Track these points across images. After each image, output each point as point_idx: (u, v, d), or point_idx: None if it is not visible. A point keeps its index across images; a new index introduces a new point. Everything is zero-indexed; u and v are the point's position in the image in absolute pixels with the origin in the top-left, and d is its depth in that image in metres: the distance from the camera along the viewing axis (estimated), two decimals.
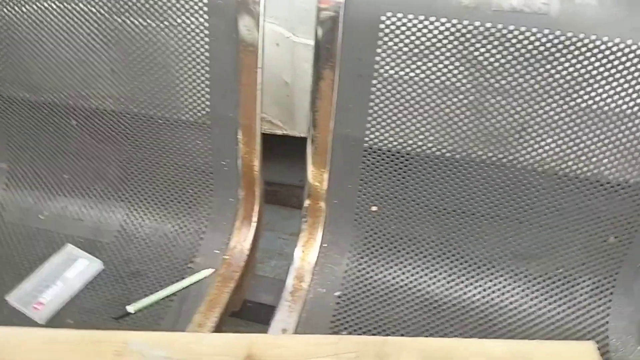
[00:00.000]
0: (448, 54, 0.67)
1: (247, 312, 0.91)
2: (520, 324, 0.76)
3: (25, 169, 0.92)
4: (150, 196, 0.87)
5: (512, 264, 0.78)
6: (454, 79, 0.69)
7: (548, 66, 0.66)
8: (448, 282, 0.79)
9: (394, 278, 0.79)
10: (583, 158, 0.70)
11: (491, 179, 0.74)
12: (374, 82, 0.69)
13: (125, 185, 0.88)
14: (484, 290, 0.78)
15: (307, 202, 0.80)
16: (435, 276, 0.79)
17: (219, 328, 0.75)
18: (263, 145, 0.79)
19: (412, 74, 0.69)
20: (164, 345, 0.69)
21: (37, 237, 0.87)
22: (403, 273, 0.80)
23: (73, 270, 0.80)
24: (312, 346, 0.69)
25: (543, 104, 0.68)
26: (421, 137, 0.72)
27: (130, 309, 0.76)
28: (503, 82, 0.67)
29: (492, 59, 0.66)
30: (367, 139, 0.73)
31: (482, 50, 0.66)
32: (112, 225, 0.88)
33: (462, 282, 0.79)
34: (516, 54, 0.66)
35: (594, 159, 0.70)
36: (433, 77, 0.68)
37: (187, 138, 0.82)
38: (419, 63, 0.68)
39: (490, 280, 0.79)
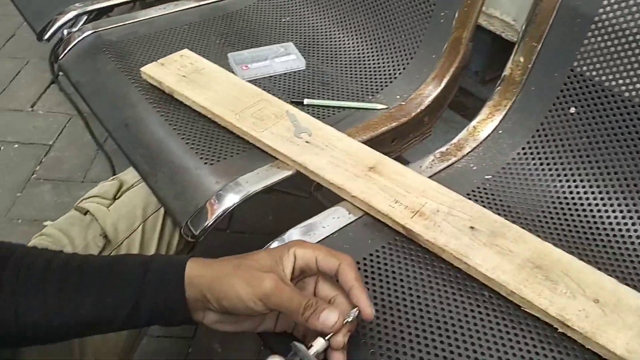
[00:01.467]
0: None
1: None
2: None
3: None
4: (373, 27, 0.92)
5: None
6: None
7: None
8: (614, 214, 0.65)
9: (555, 186, 0.69)
10: None
11: None
12: None
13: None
14: None
15: (506, 72, 0.74)
16: (602, 202, 0.66)
17: None
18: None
19: None
20: (307, 122, 0.75)
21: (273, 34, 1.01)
22: (569, 185, 0.68)
23: (283, 58, 0.92)
24: (429, 189, 0.66)
25: None
26: None
27: (306, 101, 0.83)
28: None
29: None
30: (597, 19, 0.63)
31: None
32: (326, 41, 0.97)
33: (631, 222, 0.65)
34: None
35: None
36: None
37: None
38: None
39: None
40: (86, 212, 0.71)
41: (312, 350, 0.45)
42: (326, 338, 0.45)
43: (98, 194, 0.74)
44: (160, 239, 0.73)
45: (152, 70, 0.84)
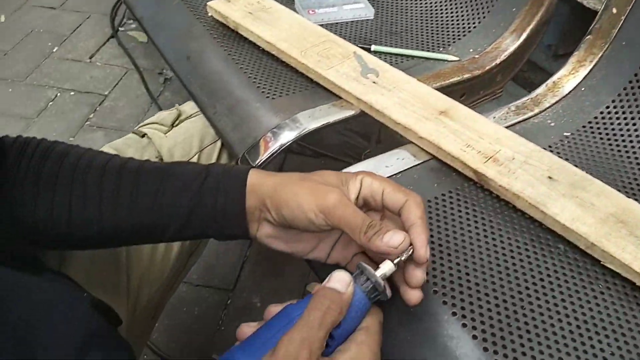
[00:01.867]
0: None
1: None
2: None
3: None
4: None
5: None
6: None
7: None
8: None
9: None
10: None
11: None
12: None
13: None
14: None
15: (595, 25, 0.68)
16: None
17: None
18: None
19: None
20: (374, 64, 0.71)
21: None
22: None
23: (351, 5, 0.88)
24: (504, 137, 0.61)
25: None
26: None
27: (373, 47, 0.80)
28: None
29: None
30: None
31: None
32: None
33: None
34: None
35: None
36: None
37: None
38: None
39: None
40: (143, 135, 0.70)
41: (379, 272, 0.41)
42: (394, 262, 0.42)
43: (156, 120, 0.73)
44: None
45: (218, 5, 0.83)
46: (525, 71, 1.25)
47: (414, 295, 0.42)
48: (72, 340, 0.42)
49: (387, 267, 0.41)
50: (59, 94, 1.61)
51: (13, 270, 0.43)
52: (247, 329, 0.42)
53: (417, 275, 0.41)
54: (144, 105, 1.57)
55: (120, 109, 1.56)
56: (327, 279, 0.40)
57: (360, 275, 0.41)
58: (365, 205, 0.46)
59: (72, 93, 1.62)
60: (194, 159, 0.70)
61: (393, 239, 0.40)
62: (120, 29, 1.87)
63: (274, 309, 0.42)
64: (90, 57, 1.76)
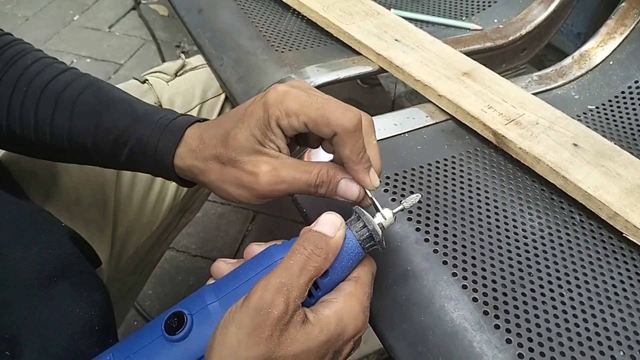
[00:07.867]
0: None
1: None
2: None
3: None
4: None
5: None
6: None
7: None
8: None
9: None
10: None
11: None
12: None
13: None
14: None
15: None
16: None
17: None
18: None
19: None
20: (401, 25, 0.68)
21: None
22: None
23: None
24: (529, 102, 0.57)
25: None
26: None
27: (393, 11, 0.76)
28: None
29: None
30: None
31: None
32: None
33: None
34: None
35: None
36: None
37: None
38: None
39: None
40: (144, 82, 0.67)
41: (378, 220, 0.37)
42: (394, 211, 0.38)
43: (159, 69, 0.70)
44: None
45: None
46: (553, 60, 1.20)
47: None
48: (42, 267, 0.39)
49: (387, 215, 0.37)
50: (75, 60, 1.60)
51: None
52: (224, 265, 0.38)
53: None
54: None
55: None
56: (315, 222, 0.36)
57: (357, 221, 0.37)
58: (299, 136, 0.40)
59: (88, 60, 1.61)
60: (195, 111, 0.67)
61: (348, 192, 0.38)
62: (142, 1, 1.86)
63: (256, 247, 0.38)
64: (110, 27, 1.76)
